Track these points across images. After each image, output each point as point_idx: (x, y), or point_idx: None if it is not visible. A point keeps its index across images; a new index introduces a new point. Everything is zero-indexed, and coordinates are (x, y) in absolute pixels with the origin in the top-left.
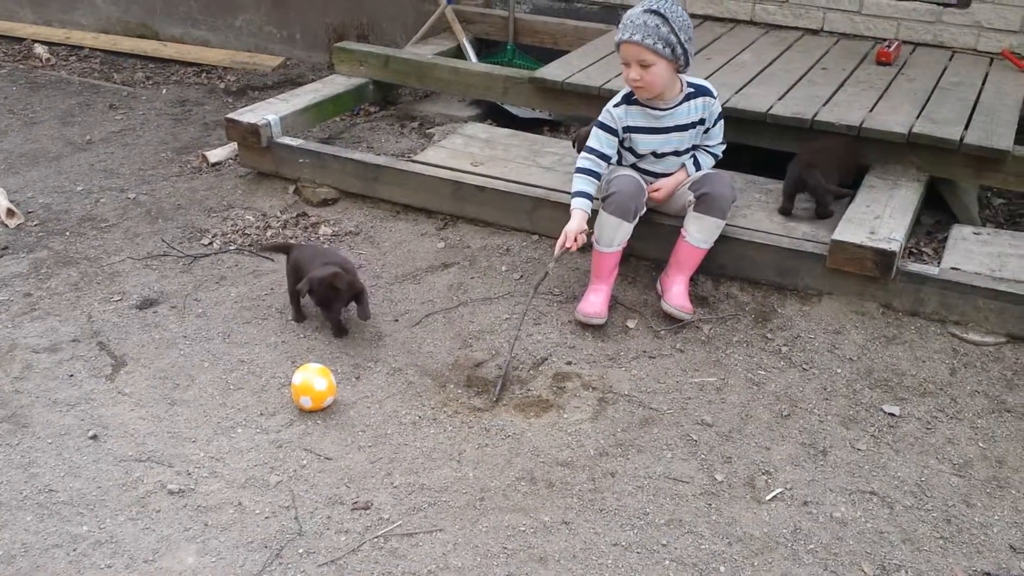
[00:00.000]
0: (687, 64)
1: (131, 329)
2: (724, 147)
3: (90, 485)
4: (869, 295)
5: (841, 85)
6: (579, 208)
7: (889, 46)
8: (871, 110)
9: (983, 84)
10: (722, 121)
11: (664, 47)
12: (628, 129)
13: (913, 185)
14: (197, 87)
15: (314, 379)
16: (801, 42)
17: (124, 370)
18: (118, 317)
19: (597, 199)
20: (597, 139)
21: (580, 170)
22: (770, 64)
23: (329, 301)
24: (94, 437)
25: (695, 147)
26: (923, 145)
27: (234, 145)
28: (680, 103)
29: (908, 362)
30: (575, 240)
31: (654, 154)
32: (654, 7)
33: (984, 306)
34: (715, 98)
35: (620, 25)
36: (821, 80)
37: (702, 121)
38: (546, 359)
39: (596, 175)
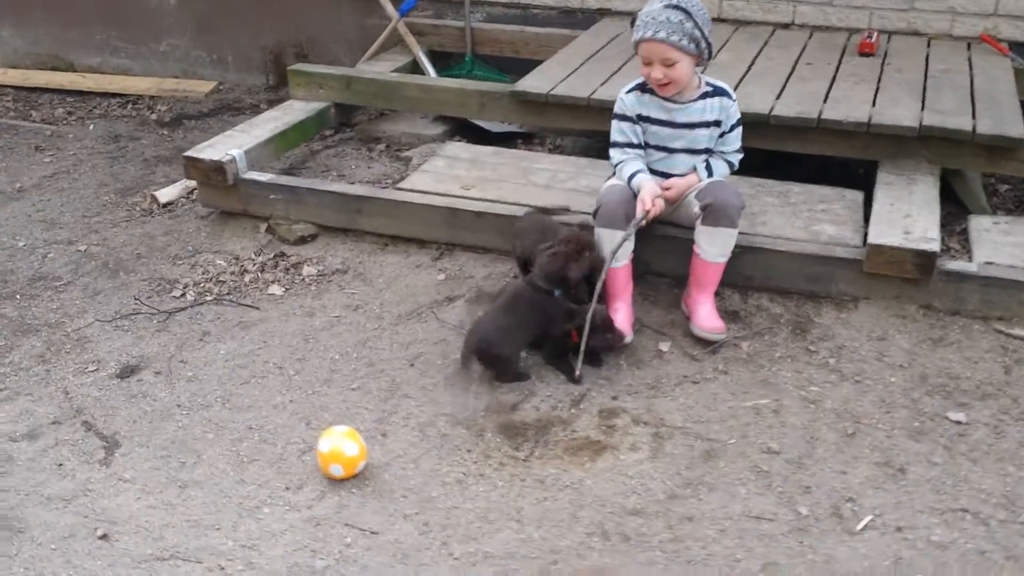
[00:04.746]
0: (710, 57)
1: (116, 403)
2: (741, 156)
3: None
4: (907, 297)
5: (833, 80)
6: (644, 178)
7: (870, 36)
8: (873, 104)
9: (971, 71)
10: (740, 127)
11: (689, 43)
12: (641, 118)
13: (929, 179)
14: (126, 120)
15: (343, 444)
16: (775, 37)
17: (119, 451)
18: (99, 390)
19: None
20: (620, 131)
21: (621, 162)
22: (753, 62)
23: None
24: (103, 536)
25: (710, 151)
26: (935, 137)
27: (185, 182)
28: (696, 100)
29: (960, 364)
30: (652, 204)
31: (666, 148)
32: (674, 2)
33: None
34: (733, 100)
35: (639, 23)
36: (810, 76)
37: (718, 123)
38: (584, 394)
39: (637, 157)
